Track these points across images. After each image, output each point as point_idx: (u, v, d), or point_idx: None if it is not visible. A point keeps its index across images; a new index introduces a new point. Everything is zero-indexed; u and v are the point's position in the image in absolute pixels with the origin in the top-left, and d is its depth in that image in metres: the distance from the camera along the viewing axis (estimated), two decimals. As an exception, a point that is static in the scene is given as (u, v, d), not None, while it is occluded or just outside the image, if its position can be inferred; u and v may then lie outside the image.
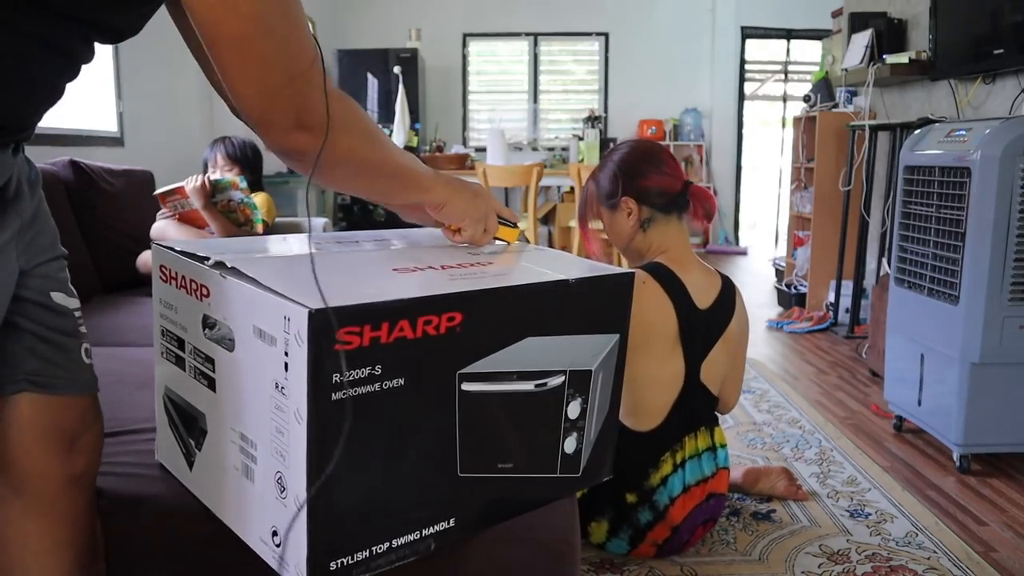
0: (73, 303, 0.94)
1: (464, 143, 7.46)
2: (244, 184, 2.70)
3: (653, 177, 1.73)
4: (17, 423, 0.89)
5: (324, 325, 0.70)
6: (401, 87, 5.79)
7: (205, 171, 2.88)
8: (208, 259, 0.86)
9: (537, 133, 7.64)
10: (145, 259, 2.65)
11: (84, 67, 0.81)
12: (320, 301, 0.71)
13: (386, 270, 0.88)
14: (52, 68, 0.76)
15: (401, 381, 0.78)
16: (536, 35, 7.55)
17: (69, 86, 0.80)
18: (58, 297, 0.91)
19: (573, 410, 0.97)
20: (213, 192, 2.65)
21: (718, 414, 1.81)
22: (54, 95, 0.79)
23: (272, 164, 5.56)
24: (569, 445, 0.99)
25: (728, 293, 1.76)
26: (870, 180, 3.85)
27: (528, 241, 0.89)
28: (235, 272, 0.82)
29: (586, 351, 0.97)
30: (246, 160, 2.94)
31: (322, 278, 0.82)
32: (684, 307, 1.67)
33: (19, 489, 0.90)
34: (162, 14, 0.83)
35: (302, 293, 0.73)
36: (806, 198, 4.48)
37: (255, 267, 0.81)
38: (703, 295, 1.71)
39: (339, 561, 0.78)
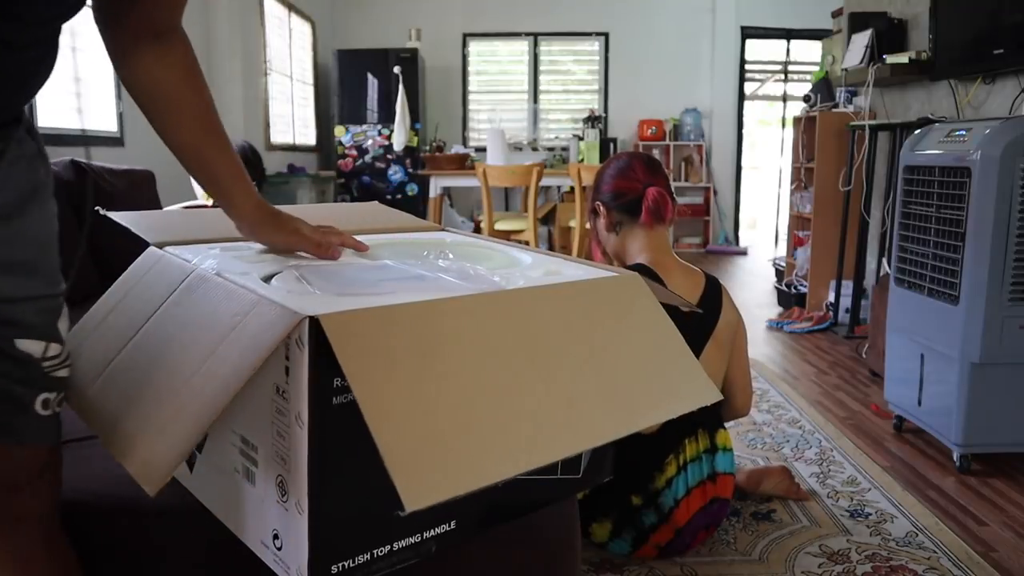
0: (51, 349, 0.83)
1: (464, 143, 7.46)
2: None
3: (613, 182, 1.80)
4: None
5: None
6: (401, 87, 5.80)
7: None
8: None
9: (537, 133, 7.64)
10: None
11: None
12: (320, 306, 0.71)
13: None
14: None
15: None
16: (536, 35, 7.55)
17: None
18: (24, 344, 0.81)
19: (574, 411, 0.97)
20: None
21: (735, 419, 1.80)
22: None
23: (272, 164, 5.57)
24: (570, 447, 0.99)
25: (713, 292, 1.77)
26: (870, 180, 3.85)
27: None
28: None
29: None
30: (248, 164, 2.93)
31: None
32: (666, 308, 1.67)
33: None
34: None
35: (303, 299, 0.73)
36: (806, 198, 4.48)
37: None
38: (686, 297, 1.71)
39: (340, 564, 0.78)
